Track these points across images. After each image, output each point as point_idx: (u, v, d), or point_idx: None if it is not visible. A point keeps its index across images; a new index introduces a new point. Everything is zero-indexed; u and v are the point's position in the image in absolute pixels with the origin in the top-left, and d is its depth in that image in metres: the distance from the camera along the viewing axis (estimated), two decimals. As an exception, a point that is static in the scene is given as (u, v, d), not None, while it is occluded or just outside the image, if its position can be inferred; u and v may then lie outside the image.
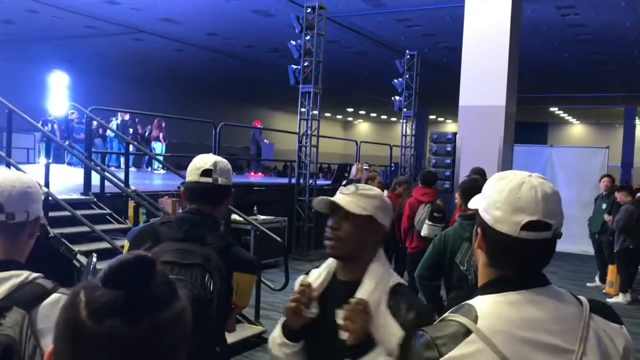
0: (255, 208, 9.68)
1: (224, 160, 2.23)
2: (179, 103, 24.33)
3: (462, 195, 3.73)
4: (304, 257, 10.60)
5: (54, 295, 1.44)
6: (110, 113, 15.86)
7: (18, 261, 1.56)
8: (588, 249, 11.08)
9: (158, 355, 0.79)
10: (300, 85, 11.43)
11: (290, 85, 11.70)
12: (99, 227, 6.23)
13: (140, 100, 20.53)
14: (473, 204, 1.32)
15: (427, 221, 6.24)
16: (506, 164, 8.87)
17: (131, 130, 15.35)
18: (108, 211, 6.97)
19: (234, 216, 8.60)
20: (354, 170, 9.90)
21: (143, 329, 0.76)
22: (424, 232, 6.25)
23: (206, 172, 2.16)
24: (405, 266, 7.00)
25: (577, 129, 34.78)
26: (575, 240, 11.98)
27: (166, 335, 0.80)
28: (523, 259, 1.23)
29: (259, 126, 18.33)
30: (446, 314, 1.23)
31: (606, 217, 8.64)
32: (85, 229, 6.13)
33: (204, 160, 2.20)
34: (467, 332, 1.16)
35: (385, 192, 8.33)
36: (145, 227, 2.28)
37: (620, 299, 8.23)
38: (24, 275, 1.49)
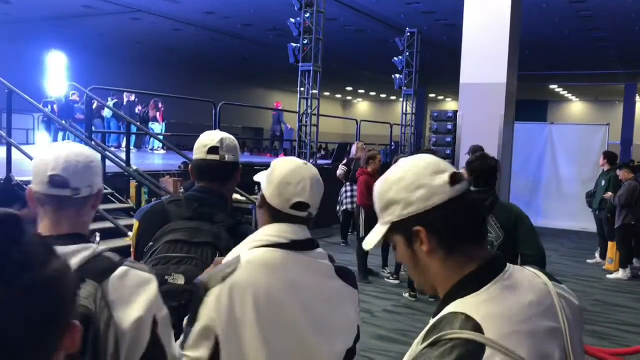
0: (256, 187, 9.69)
1: (231, 136, 2.21)
2: (178, 83, 24.23)
3: (471, 173, 3.68)
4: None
5: (122, 268, 1.47)
6: (106, 94, 15.80)
7: (83, 234, 1.59)
8: (588, 225, 11.15)
9: (37, 318, 0.75)
10: (300, 64, 11.38)
11: (289, 64, 11.64)
12: (101, 207, 6.23)
13: (138, 81, 20.42)
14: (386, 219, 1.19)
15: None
16: (507, 141, 8.87)
17: (137, 110, 15.32)
18: (110, 190, 6.99)
19: (236, 195, 8.63)
20: (354, 149, 9.90)
21: (16, 291, 0.72)
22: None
23: (213, 150, 2.14)
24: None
25: (576, 107, 34.69)
26: (575, 217, 12.05)
27: (44, 296, 0.76)
28: (474, 224, 1.16)
29: (279, 107, 18.17)
30: (440, 333, 1.06)
31: (606, 195, 8.68)
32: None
33: (210, 138, 2.18)
34: (480, 347, 1.02)
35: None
36: (154, 206, 2.27)
37: (620, 274, 8.29)
38: (91, 248, 1.51)
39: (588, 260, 9.35)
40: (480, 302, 1.09)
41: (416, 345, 1.10)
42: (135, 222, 2.24)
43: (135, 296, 1.44)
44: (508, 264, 1.17)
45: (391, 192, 1.16)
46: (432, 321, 1.10)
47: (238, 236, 2.03)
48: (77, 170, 1.56)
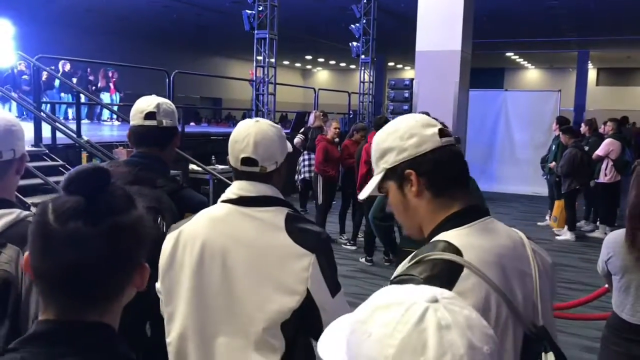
0: (213, 158, 9.62)
1: (167, 101, 2.19)
2: (131, 53, 23.56)
3: None
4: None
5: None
6: (55, 63, 15.26)
7: (8, 199, 1.59)
8: (540, 190, 11.48)
9: (118, 255, 0.90)
10: (255, 31, 11.22)
11: (245, 31, 11.47)
12: (52, 179, 6.11)
13: (90, 50, 19.77)
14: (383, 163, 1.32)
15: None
16: (462, 109, 9.00)
17: (74, 81, 14.86)
18: (61, 163, 6.84)
19: (192, 166, 8.55)
20: (312, 117, 9.89)
21: (103, 229, 0.87)
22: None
23: (150, 115, 2.13)
24: (364, 212, 7.14)
25: (532, 74, 35.28)
26: (527, 181, 12.37)
27: (124, 237, 0.90)
28: (459, 172, 1.29)
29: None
30: (421, 255, 1.20)
31: (551, 165, 8.92)
32: (38, 181, 6.01)
33: (146, 103, 2.16)
34: (459, 268, 1.15)
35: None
36: None
37: (568, 236, 8.58)
38: (15, 213, 1.53)
39: (539, 223, 9.64)
40: (462, 234, 1.21)
41: (401, 268, 1.22)
42: None
43: None
44: (490, 216, 1.30)
45: (387, 142, 1.30)
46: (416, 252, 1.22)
47: (180, 200, 2.06)
48: None
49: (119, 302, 0.95)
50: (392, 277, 1.22)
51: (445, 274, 1.14)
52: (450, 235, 1.21)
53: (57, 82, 14.28)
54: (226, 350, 1.63)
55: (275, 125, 1.76)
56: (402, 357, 0.65)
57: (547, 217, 9.62)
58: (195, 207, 2.11)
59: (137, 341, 2.01)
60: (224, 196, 1.71)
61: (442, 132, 1.26)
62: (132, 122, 2.17)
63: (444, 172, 1.26)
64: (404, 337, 0.66)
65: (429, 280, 1.12)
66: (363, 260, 7.03)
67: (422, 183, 1.25)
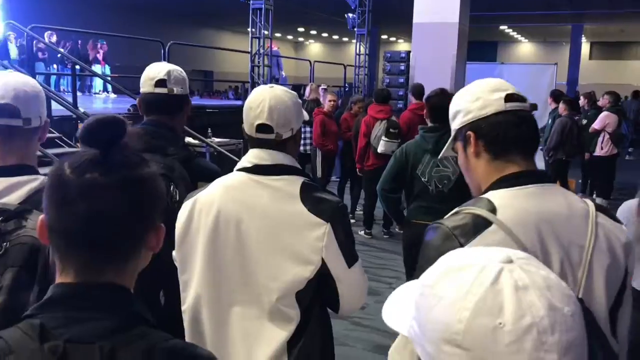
0: (209, 130, 9.53)
1: (178, 68, 2.15)
2: (124, 24, 23.20)
3: (428, 109, 3.75)
4: (260, 179, 10.62)
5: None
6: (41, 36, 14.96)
7: (32, 166, 1.59)
8: (538, 164, 11.49)
9: (133, 208, 0.91)
10: (251, 1, 11.05)
11: (240, 2, 11.29)
12: (50, 151, 6.04)
13: (82, 21, 19.47)
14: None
15: (383, 137, 6.32)
16: (459, 81, 8.94)
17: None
18: (57, 135, 6.75)
19: (188, 139, 8.47)
20: (308, 90, 9.80)
21: (118, 180, 0.89)
22: (380, 148, 6.33)
23: (160, 82, 2.08)
24: (362, 185, 7.14)
25: (525, 47, 35.14)
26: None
27: (140, 190, 0.92)
28: (521, 137, 1.29)
29: (275, 48, 17.50)
30: (459, 208, 1.26)
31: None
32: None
33: (156, 70, 2.11)
34: (487, 223, 1.19)
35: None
36: None
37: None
38: (39, 179, 1.51)
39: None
40: (507, 194, 1.24)
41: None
42: None
43: None
44: (558, 185, 1.32)
45: (457, 104, 1.37)
46: None
47: (193, 169, 2.02)
48: (28, 100, 1.52)
49: (134, 263, 0.95)
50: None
51: (469, 226, 1.18)
52: (494, 194, 1.25)
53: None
54: (241, 319, 1.63)
55: (291, 91, 1.73)
56: (478, 320, 0.63)
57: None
58: (208, 176, 2.07)
59: (150, 310, 1.99)
60: (239, 165, 1.70)
61: (511, 97, 1.29)
62: (142, 90, 2.12)
63: (502, 136, 1.29)
64: (478, 300, 0.64)
65: (454, 229, 1.19)
66: (362, 232, 7.04)
67: (480, 145, 1.31)
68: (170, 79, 2.09)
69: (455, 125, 1.38)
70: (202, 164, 2.14)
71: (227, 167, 7.28)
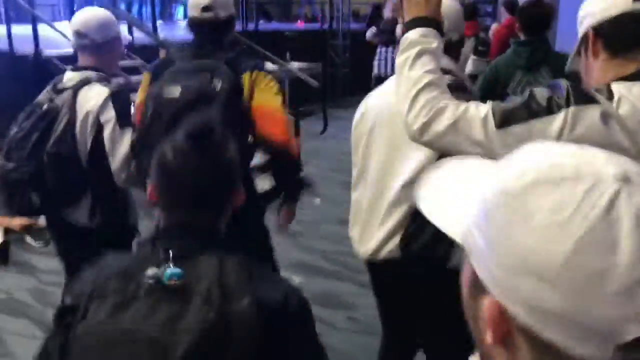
0: (288, 55, 9.40)
1: None
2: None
3: (522, 21, 3.43)
4: (339, 104, 10.47)
5: (92, 83, 2.25)
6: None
7: (101, 69, 2.32)
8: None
9: (224, 179, 1.24)
10: None
11: None
12: (134, 78, 6.15)
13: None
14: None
15: (471, 55, 5.96)
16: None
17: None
18: (140, 62, 6.84)
19: (267, 64, 8.39)
20: (387, 9, 9.33)
21: (212, 161, 1.20)
22: (468, 68, 5.99)
23: (206, 8, 2.26)
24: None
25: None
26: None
27: (228, 168, 1.24)
28: None
29: None
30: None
31: None
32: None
33: None
34: (593, 100, 1.17)
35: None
36: (163, 59, 2.60)
37: None
38: (93, 75, 2.28)
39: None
40: (627, 85, 1.20)
41: None
42: (145, 75, 2.41)
43: (90, 100, 2.20)
44: None
45: (584, 9, 1.34)
46: None
47: (235, 67, 2.22)
48: (93, 26, 2.35)
49: (224, 216, 1.26)
50: None
51: (572, 93, 1.16)
52: (615, 83, 1.22)
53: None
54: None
55: None
56: (582, 256, 0.47)
57: None
58: (251, 66, 2.25)
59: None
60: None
61: None
62: (190, 13, 2.32)
63: (622, 36, 1.25)
64: (587, 230, 0.47)
65: (550, 88, 1.20)
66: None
67: (598, 43, 1.28)
68: (217, 4, 2.27)
69: (581, 30, 1.34)
70: (243, 63, 2.26)
71: (303, 92, 7.14)
